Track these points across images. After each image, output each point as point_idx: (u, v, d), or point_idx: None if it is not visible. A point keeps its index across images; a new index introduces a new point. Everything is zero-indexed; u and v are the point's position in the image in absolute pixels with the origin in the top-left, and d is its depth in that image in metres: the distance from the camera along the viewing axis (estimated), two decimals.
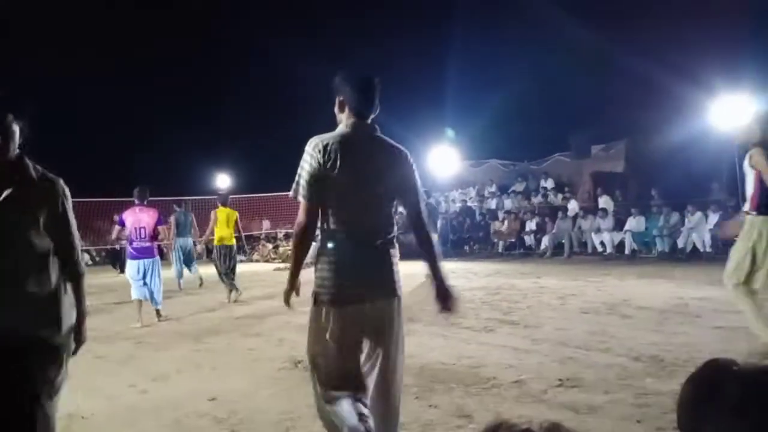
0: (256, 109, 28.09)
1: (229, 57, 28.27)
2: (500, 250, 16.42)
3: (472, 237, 17.62)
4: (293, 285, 2.70)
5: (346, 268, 2.49)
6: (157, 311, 7.80)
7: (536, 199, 17.82)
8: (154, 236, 7.83)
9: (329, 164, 2.44)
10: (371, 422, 2.41)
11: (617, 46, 15.90)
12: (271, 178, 21.79)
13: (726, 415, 0.94)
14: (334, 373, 2.48)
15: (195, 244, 13.16)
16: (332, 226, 2.51)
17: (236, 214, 9.79)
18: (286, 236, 19.61)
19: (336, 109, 2.66)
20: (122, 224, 7.77)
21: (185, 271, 11.86)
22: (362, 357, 2.53)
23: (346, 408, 2.40)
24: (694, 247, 12.70)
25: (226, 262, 9.43)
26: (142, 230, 7.61)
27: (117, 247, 15.96)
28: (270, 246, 18.92)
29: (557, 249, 15.01)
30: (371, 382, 2.54)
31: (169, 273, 10.27)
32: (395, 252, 2.62)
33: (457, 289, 2.80)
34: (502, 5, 23.21)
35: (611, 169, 17.41)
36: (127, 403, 4.14)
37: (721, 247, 12.17)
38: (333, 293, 2.50)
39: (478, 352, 5.09)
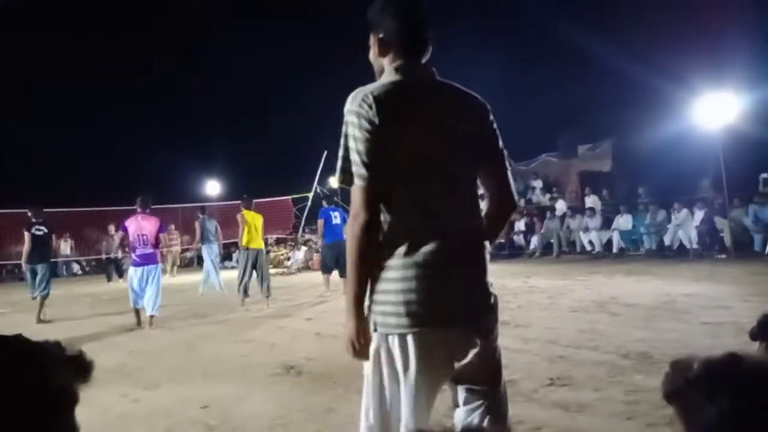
0: (243, 116, 28.08)
1: (215, 65, 28.24)
2: (490, 251, 16.46)
3: None
4: (360, 316, 1.79)
5: (436, 279, 1.68)
6: (151, 318, 7.81)
7: (525, 200, 17.90)
8: (156, 244, 7.96)
9: (389, 126, 1.62)
10: None
11: (602, 46, 16.01)
12: (261, 183, 21.82)
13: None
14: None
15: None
16: (404, 220, 1.69)
17: (261, 217, 9.75)
18: (278, 241, 19.60)
19: (372, 55, 1.88)
20: (125, 231, 7.91)
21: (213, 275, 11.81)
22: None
23: None
24: (681, 243, 12.83)
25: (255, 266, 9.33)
26: (145, 237, 7.81)
27: (112, 256, 15.94)
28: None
29: (546, 249, 15.09)
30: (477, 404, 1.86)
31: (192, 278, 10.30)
32: (486, 257, 1.91)
33: None
34: (490, 5, 23.36)
35: (598, 168, 17.55)
36: (119, 412, 4.13)
37: (708, 244, 12.32)
38: (417, 313, 1.67)
39: None
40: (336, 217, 10.15)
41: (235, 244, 9.84)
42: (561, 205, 16.00)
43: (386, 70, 1.81)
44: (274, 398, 4.21)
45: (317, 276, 10.61)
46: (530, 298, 8.10)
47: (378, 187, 1.65)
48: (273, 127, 27.29)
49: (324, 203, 11.22)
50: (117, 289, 12.33)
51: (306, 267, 16.63)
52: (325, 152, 18.60)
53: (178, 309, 9.29)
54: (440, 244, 1.68)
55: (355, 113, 1.65)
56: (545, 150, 19.47)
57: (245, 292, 9.31)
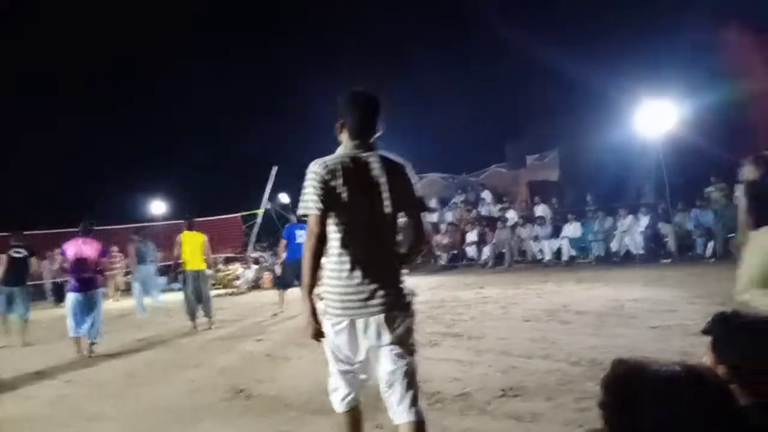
0: (189, 133, 27.56)
1: (161, 82, 27.69)
2: (444, 263, 16.56)
3: None
4: (311, 304, 2.55)
5: (354, 286, 2.51)
6: (91, 345, 7.46)
7: (476, 211, 18.10)
8: (97, 268, 7.65)
9: (332, 183, 2.50)
10: None
11: (546, 57, 16.39)
12: (209, 201, 21.39)
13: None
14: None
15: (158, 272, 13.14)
16: (341, 246, 2.53)
17: (203, 237, 9.45)
18: (227, 260, 19.20)
19: (336, 131, 2.70)
20: (63, 255, 7.64)
21: (148, 299, 11.93)
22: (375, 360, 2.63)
23: None
24: (628, 249, 13.15)
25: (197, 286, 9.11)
26: (85, 262, 7.42)
27: (58, 281, 15.39)
28: (210, 271, 18.46)
29: (498, 259, 15.23)
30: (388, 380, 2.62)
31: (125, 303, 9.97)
32: (403, 269, 2.66)
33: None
34: (437, 20, 23.67)
35: (546, 177, 17.88)
36: None
37: (653, 249, 12.66)
38: (341, 308, 2.53)
39: (422, 367, 4.98)
40: (301, 236, 9.88)
41: (179, 266, 9.61)
42: (512, 215, 16.21)
43: (342, 144, 2.67)
44: (224, 424, 4.06)
45: (268, 295, 10.43)
46: (483, 309, 8.12)
47: (323, 215, 2.51)
48: (221, 144, 26.95)
49: (292, 219, 10.98)
50: (54, 317, 11.83)
51: (256, 286, 16.34)
52: (275, 168, 18.41)
53: (121, 335, 8.93)
54: (359, 259, 2.52)
55: (314, 172, 2.53)
56: (494, 161, 19.74)
57: (192, 315, 9.03)
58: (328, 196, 2.48)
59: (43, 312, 13.34)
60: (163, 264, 16.33)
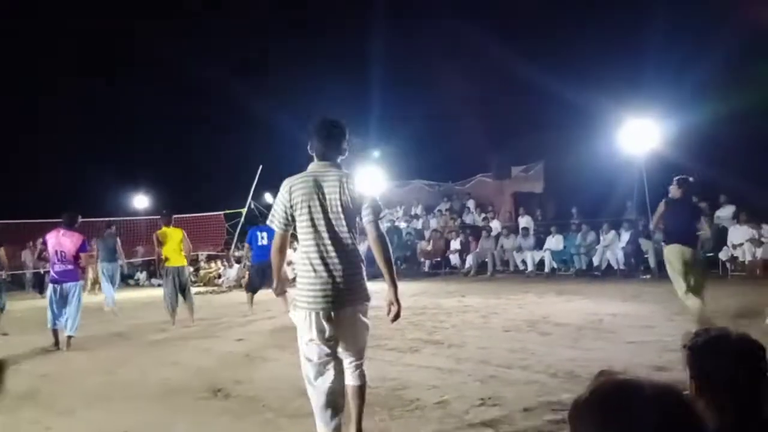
0: (174, 129, 27.37)
1: (145, 74, 27.50)
2: (426, 269, 16.59)
3: (399, 256, 17.71)
4: (279, 278, 3.60)
5: (315, 282, 3.13)
6: (69, 339, 7.38)
7: (460, 219, 18.16)
8: (76, 261, 7.54)
9: (293, 198, 3.17)
10: None
11: (534, 72, 16.56)
12: (192, 197, 21.26)
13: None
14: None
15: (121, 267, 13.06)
16: (303, 244, 3.20)
17: (182, 232, 9.43)
18: (209, 258, 19.08)
19: (309, 150, 3.31)
20: (44, 245, 7.56)
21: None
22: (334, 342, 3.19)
23: None
24: (609, 264, 13.27)
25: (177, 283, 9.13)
26: (63, 254, 7.40)
27: (40, 271, 15.34)
28: (191, 269, 18.35)
29: (481, 268, 15.29)
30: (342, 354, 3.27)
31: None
32: (359, 266, 3.25)
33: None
34: (423, 30, 23.79)
35: (531, 189, 18.00)
36: None
37: (634, 264, 12.78)
38: (307, 299, 3.16)
39: (402, 373, 5.07)
40: (263, 238, 9.87)
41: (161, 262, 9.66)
42: (496, 225, 16.30)
43: (310, 165, 3.28)
44: (200, 425, 4.03)
45: (243, 295, 10.37)
46: (464, 318, 8.15)
47: (283, 233, 3.31)
48: (206, 140, 26.80)
49: (259, 221, 11.03)
50: (31, 307, 11.66)
51: (238, 285, 16.25)
52: (260, 167, 18.34)
53: (99, 329, 8.84)
54: (317, 259, 3.14)
55: (281, 193, 3.24)
56: (480, 170, 19.84)
57: (172, 310, 9.02)
58: (287, 212, 3.20)
59: (22, 302, 13.16)
60: (145, 259, 16.20)
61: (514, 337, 6.51)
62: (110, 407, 4.61)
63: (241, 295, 10.11)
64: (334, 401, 3.17)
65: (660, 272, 12.14)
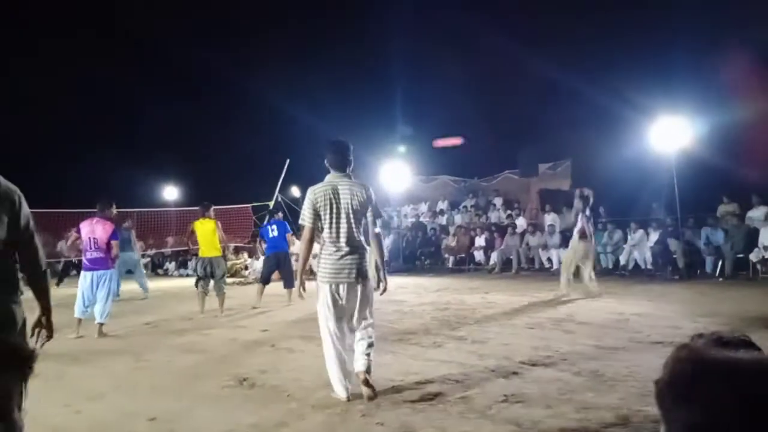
0: (201, 120, 27.71)
1: (178, 70, 27.86)
2: (450, 266, 16.57)
3: (423, 252, 17.73)
4: (303, 268, 4.53)
5: (334, 264, 4.19)
6: (100, 326, 7.55)
7: (485, 216, 18.08)
8: (108, 249, 7.68)
9: (317, 202, 4.20)
10: None
11: (562, 69, 16.40)
12: (221, 189, 21.49)
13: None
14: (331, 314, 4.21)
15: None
16: (324, 240, 4.25)
17: (213, 223, 9.64)
18: (236, 250, 19.29)
19: (326, 165, 4.33)
20: (78, 233, 7.74)
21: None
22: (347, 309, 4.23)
23: None
24: (636, 263, 13.10)
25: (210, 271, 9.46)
26: (95, 241, 7.57)
27: (63, 259, 15.74)
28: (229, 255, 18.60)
29: (506, 265, 15.24)
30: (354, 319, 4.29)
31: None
32: (365, 252, 4.31)
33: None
34: (451, 28, 23.67)
35: (558, 186, 17.84)
36: (59, 424, 3.95)
37: (661, 265, 12.61)
38: (327, 277, 4.20)
39: (425, 367, 5.09)
40: (273, 230, 10.37)
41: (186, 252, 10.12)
42: (521, 222, 16.20)
43: (328, 176, 4.31)
44: (225, 412, 4.09)
45: (275, 286, 10.49)
46: (488, 314, 8.13)
47: (311, 227, 4.24)
48: (236, 133, 27.05)
49: (278, 216, 11.25)
50: (62, 295, 11.97)
51: None
52: (288, 161, 18.47)
53: (128, 317, 9.02)
54: (336, 248, 4.20)
55: (308, 198, 4.25)
56: (507, 167, 19.74)
57: (203, 289, 9.36)
58: (315, 212, 4.20)
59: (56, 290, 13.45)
60: (175, 249, 16.52)
61: (538, 334, 6.48)
62: (138, 393, 4.72)
63: (268, 287, 10.22)
64: (340, 356, 4.18)
65: (688, 273, 11.98)
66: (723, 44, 14.77)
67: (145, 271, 13.37)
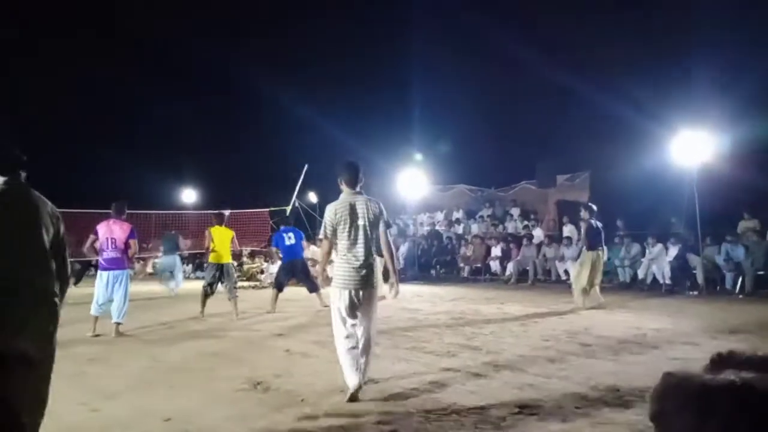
0: (220, 124, 27.97)
1: (201, 73, 28.18)
2: (466, 275, 16.51)
3: (438, 261, 17.68)
4: (323, 270, 6.22)
5: (348, 272, 4.59)
6: (117, 326, 7.64)
7: (502, 226, 18.00)
8: (125, 249, 7.83)
9: (336, 217, 4.64)
10: None
11: (583, 81, 16.33)
12: (239, 193, 21.64)
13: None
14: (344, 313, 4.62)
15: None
16: (341, 247, 4.67)
17: (232, 233, 9.87)
18: (252, 254, 19.39)
19: (339, 184, 4.78)
20: (96, 234, 7.84)
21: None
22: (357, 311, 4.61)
23: None
24: (654, 278, 12.95)
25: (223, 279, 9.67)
26: (114, 241, 7.69)
27: (92, 260, 16.06)
28: (235, 263, 18.69)
29: (522, 276, 15.15)
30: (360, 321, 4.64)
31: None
32: (376, 263, 4.75)
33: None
34: (471, 36, 23.69)
35: (576, 198, 17.70)
36: (76, 422, 3.99)
37: (680, 280, 12.45)
38: (342, 283, 4.60)
39: (439, 377, 5.07)
40: (290, 238, 10.36)
41: (202, 255, 10.37)
42: (538, 233, 16.10)
43: (342, 193, 4.75)
44: (238, 414, 4.11)
45: (291, 291, 10.53)
46: (503, 325, 8.09)
47: (330, 240, 4.73)
48: (254, 138, 27.26)
49: (289, 223, 11.31)
50: (80, 294, 12.10)
51: None
52: (306, 166, 18.54)
53: (145, 318, 9.10)
54: (351, 258, 4.59)
55: (327, 213, 4.71)
56: (524, 177, 19.65)
57: (210, 291, 9.56)
58: (334, 227, 4.65)
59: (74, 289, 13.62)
60: (191, 251, 16.77)
61: (554, 346, 6.43)
62: (154, 393, 4.76)
63: (283, 291, 10.25)
64: (352, 352, 4.54)
65: (708, 289, 11.83)
66: (745, 55, 14.63)
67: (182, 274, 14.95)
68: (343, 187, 4.76)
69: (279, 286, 10.28)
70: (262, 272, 17.55)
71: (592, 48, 19.28)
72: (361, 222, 4.61)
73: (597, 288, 9.96)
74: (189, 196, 24.60)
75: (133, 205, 10.75)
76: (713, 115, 12.74)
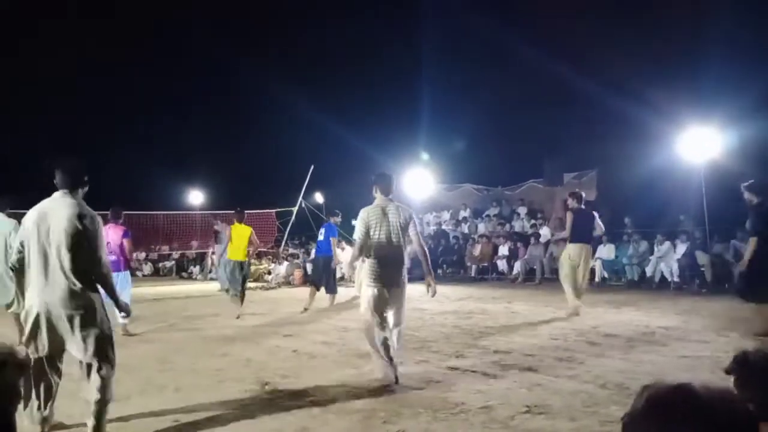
0: (226, 125, 28.05)
1: (203, 77, 28.28)
2: (473, 274, 16.49)
3: (445, 260, 17.66)
4: (353, 265, 6.45)
5: (380, 271, 5.00)
6: (125, 327, 7.68)
7: (509, 225, 17.96)
8: (122, 251, 7.91)
9: (369, 222, 5.04)
10: None
11: (590, 79, 16.27)
12: (245, 194, 21.68)
13: None
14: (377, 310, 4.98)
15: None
16: (372, 249, 5.03)
17: (250, 229, 9.95)
18: (258, 255, 19.45)
19: (372, 191, 5.26)
20: None
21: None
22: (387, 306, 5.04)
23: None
24: (663, 276, 12.88)
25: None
26: (109, 245, 7.68)
27: None
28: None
29: (529, 274, 15.11)
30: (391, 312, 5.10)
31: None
32: (405, 264, 5.22)
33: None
34: (477, 38, 23.65)
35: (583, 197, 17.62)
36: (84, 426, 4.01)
37: (689, 277, 12.39)
38: (374, 281, 5.01)
39: (447, 376, 5.07)
40: (321, 234, 10.41)
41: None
42: (545, 232, 16.06)
43: (376, 199, 5.22)
44: (247, 416, 4.12)
45: (298, 291, 10.57)
46: (511, 324, 8.07)
47: (362, 241, 5.04)
48: (260, 139, 27.33)
49: (336, 219, 11.18)
50: None
51: (287, 282, 16.50)
52: (312, 167, 18.56)
53: (153, 319, 9.14)
54: (382, 258, 5.02)
55: (361, 217, 5.11)
56: (531, 176, 19.58)
57: (234, 292, 9.65)
58: (366, 230, 5.02)
59: None
60: (199, 252, 16.78)
61: (562, 345, 6.41)
62: (163, 395, 4.78)
63: (290, 292, 10.29)
64: (385, 343, 4.88)
65: (716, 287, 11.75)
66: (754, 51, 14.53)
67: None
68: (378, 194, 5.22)
69: (313, 282, 10.44)
70: (269, 273, 17.60)
71: (599, 46, 19.20)
72: (392, 225, 5.02)
73: (582, 288, 8.97)
74: (196, 197, 24.67)
75: (140, 207, 10.84)
76: (721, 111, 12.65)
